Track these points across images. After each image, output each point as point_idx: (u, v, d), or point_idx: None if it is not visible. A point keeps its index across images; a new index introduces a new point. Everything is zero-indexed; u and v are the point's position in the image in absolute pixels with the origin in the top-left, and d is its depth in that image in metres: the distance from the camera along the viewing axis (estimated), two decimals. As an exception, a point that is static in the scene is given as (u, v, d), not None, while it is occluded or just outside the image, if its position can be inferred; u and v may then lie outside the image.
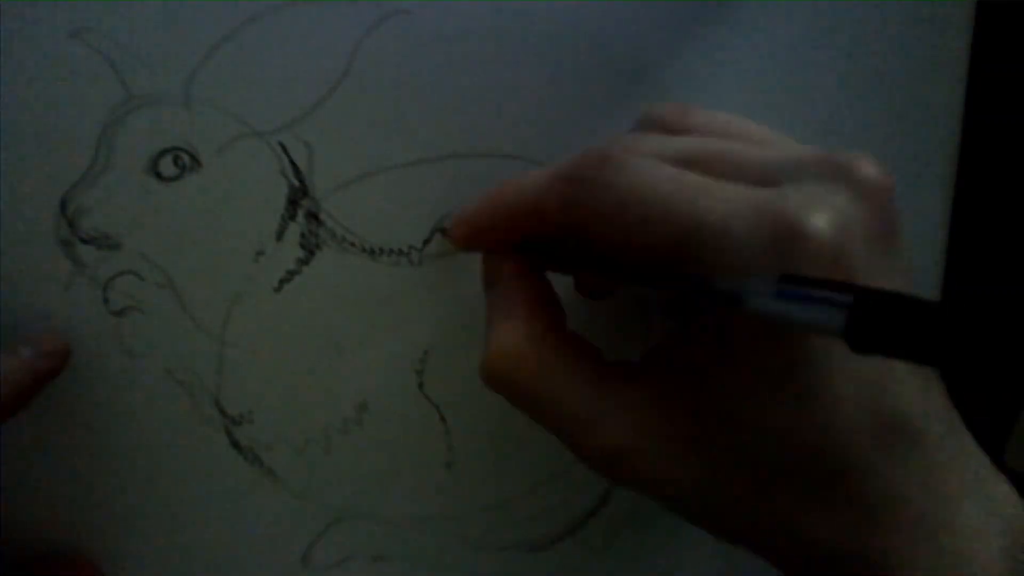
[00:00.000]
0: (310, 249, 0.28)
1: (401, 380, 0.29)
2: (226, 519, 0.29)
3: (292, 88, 0.27)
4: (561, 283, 0.26)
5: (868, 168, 0.21)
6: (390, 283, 0.28)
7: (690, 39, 0.28)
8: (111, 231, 0.27)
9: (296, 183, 0.27)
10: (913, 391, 0.21)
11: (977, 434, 0.22)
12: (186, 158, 0.27)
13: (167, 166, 0.27)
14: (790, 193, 0.20)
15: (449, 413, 0.29)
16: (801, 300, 0.18)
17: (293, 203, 0.28)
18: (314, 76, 0.27)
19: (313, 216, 0.28)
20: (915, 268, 0.29)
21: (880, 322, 0.17)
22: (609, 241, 0.22)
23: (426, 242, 0.28)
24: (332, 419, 0.29)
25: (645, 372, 0.24)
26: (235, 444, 0.28)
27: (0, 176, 0.26)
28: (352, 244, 0.28)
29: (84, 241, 0.27)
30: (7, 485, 0.28)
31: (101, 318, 0.27)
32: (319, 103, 0.27)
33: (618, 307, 0.29)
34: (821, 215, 0.20)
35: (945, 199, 0.29)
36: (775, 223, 0.20)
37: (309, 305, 0.28)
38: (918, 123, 0.29)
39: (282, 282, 0.28)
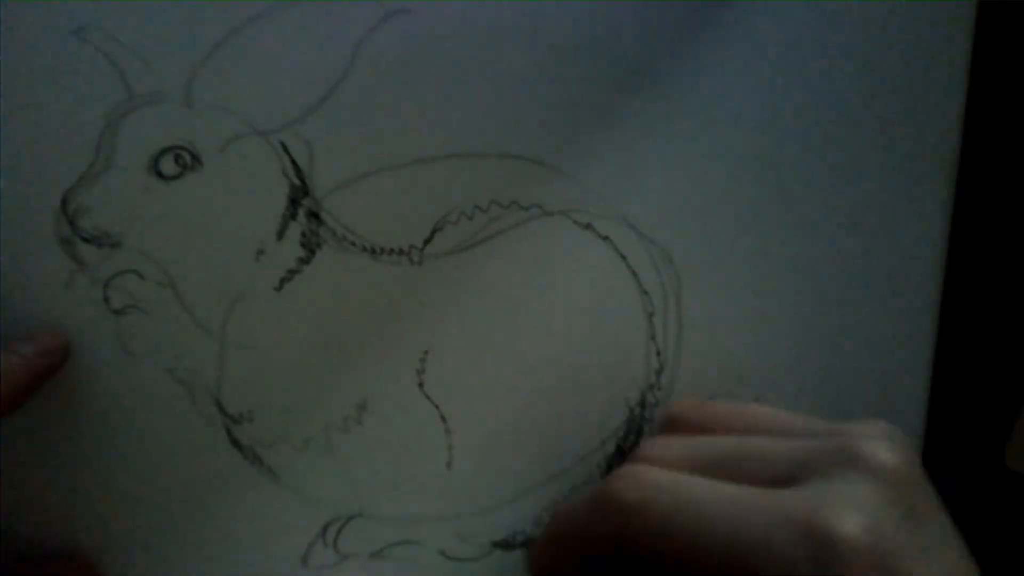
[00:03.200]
0: (311, 248, 0.28)
1: (401, 380, 0.29)
2: (226, 518, 0.29)
3: (293, 87, 0.27)
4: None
5: (884, 454, 0.23)
6: (390, 283, 0.28)
7: (690, 39, 0.28)
8: (112, 230, 0.27)
9: (297, 182, 0.27)
10: None
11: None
12: (187, 157, 0.27)
13: (168, 165, 0.27)
14: (820, 494, 0.22)
15: (449, 413, 0.29)
16: None
17: (294, 202, 0.28)
18: (315, 75, 0.27)
19: (314, 215, 0.28)
20: (914, 269, 0.30)
21: None
22: (662, 558, 0.23)
23: (426, 242, 0.28)
24: (332, 418, 0.29)
25: None
26: (235, 443, 0.28)
27: (0, 175, 0.26)
28: (353, 243, 0.28)
29: (85, 240, 0.27)
30: (6, 484, 0.28)
31: (101, 317, 0.27)
32: (320, 102, 0.27)
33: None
34: (851, 517, 0.21)
35: (945, 200, 0.30)
36: (811, 533, 0.21)
37: (309, 304, 0.28)
38: (918, 123, 0.29)
39: (283, 281, 0.28)
